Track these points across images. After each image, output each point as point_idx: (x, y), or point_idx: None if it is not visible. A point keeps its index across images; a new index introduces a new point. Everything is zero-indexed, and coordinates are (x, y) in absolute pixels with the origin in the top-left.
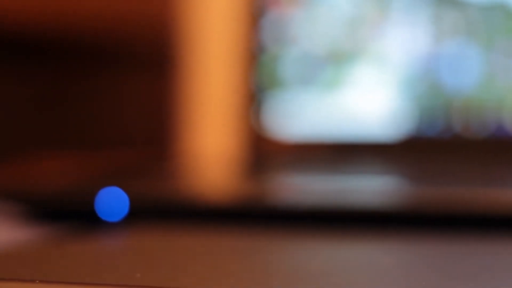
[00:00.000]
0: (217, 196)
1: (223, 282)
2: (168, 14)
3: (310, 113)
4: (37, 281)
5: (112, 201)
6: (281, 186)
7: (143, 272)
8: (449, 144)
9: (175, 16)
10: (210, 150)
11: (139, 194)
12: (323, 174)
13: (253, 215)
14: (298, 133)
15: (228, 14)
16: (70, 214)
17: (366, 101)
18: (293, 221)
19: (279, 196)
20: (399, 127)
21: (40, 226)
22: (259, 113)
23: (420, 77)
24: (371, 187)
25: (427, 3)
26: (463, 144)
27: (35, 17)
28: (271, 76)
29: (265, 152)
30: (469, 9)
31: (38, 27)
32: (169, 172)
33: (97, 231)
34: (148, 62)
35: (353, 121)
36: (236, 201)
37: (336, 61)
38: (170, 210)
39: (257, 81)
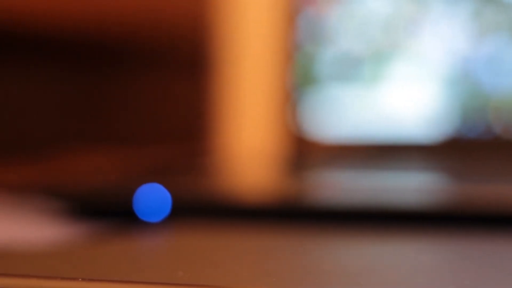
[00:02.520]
0: (258, 195)
1: (264, 281)
2: (205, 14)
3: (348, 113)
4: (80, 279)
5: (153, 198)
6: (321, 185)
7: (185, 270)
8: (489, 145)
9: (212, 15)
10: (247, 148)
11: (181, 192)
12: (363, 173)
13: (293, 214)
14: (336, 133)
15: (265, 12)
16: (111, 211)
17: (405, 101)
18: (333, 219)
19: (319, 195)
20: (439, 128)
21: (81, 223)
22: (295, 112)
23: (460, 77)
24: (411, 185)
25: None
26: (504, 145)
27: (76, 18)
28: (308, 75)
29: (302, 151)
30: (510, 6)
31: (79, 28)
32: (208, 169)
33: (137, 229)
34: (186, 61)
35: (392, 122)
36: (277, 199)
37: (373, 59)
38: (212, 208)
39: (294, 80)
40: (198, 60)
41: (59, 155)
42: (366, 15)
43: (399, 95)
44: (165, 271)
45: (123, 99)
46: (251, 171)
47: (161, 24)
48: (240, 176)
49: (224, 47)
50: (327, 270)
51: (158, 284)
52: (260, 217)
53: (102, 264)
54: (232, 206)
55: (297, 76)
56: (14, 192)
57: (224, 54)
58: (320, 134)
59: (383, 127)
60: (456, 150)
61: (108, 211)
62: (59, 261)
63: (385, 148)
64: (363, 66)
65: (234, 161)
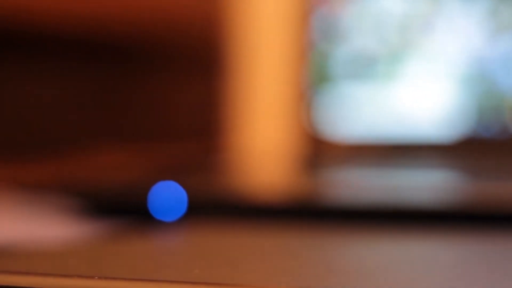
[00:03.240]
0: (273, 193)
1: (280, 280)
2: (219, 13)
3: (362, 112)
4: (96, 278)
5: (169, 197)
6: (336, 183)
7: (201, 268)
8: (505, 145)
9: (226, 14)
10: (261, 146)
11: (197, 190)
12: (378, 172)
13: (308, 212)
14: (351, 132)
15: (279, 11)
16: (127, 209)
17: (420, 100)
18: (348, 218)
19: (334, 193)
20: (454, 128)
21: (97, 221)
22: (310, 110)
23: (476, 76)
24: (426, 184)
25: None
26: None
27: (96, 19)
28: (322, 73)
29: (317, 149)
30: None
31: (100, 29)
32: (223, 167)
33: (153, 227)
34: (201, 59)
35: (407, 121)
36: (292, 198)
37: (388, 58)
38: (227, 207)
39: (308, 78)
40: (213, 58)
41: (76, 154)
42: (380, 13)
43: (414, 94)
44: (181, 269)
45: (140, 97)
46: (266, 170)
47: (177, 24)
48: (255, 174)
49: (239, 46)
50: (343, 268)
51: (174, 283)
52: (275, 215)
53: (118, 263)
54: (247, 205)
55: (311, 75)
56: (31, 190)
57: (239, 53)
58: (334, 133)
59: (398, 127)
60: (472, 150)
61: (125, 209)
62: (75, 259)
63: (400, 148)
64: (378, 65)
65: (248, 159)
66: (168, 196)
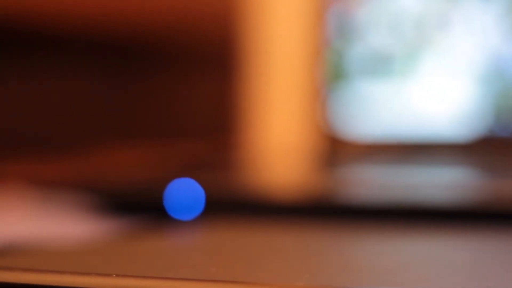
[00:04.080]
0: (289, 192)
1: (297, 278)
2: (234, 11)
3: (378, 110)
4: (114, 275)
5: (187, 195)
6: (352, 182)
7: (217, 266)
8: None
9: (241, 12)
10: (277, 143)
11: (213, 188)
12: (395, 170)
13: (325, 210)
14: (366, 131)
15: (294, 8)
16: (144, 206)
17: (436, 99)
18: (365, 216)
19: (351, 192)
20: (471, 127)
21: (114, 219)
22: (325, 108)
23: (493, 74)
24: (443, 183)
25: None
26: None
27: (110, 20)
28: (337, 71)
29: (332, 147)
30: None
31: (113, 29)
32: (239, 165)
33: (170, 224)
34: (216, 58)
35: (423, 120)
36: (308, 196)
37: (404, 56)
38: (244, 205)
39: (323, 76)
40: (229, 56)
41: (91, 151)
42: (396, 10)
43: (430, 92)
44: (198, 267)
45: (156, 95)
46: (282, 168)
47: (192, 22)
48: (271, 172)
49: (254, 43)
50: (359, 267)
51: (191, 280)
52: (291, 213)
53: (135, 261)
54: (263, 203)
55: (327, 73)
56: (47, 187)
57: (254, 50)
58: (350, 131)
59: (414, 125)
60: (488, 148)
61: (141, 207)
62: (92, 257)
63: (416, 147)
64: (394, 63)
65: (264, 157)
66: (185, 194)
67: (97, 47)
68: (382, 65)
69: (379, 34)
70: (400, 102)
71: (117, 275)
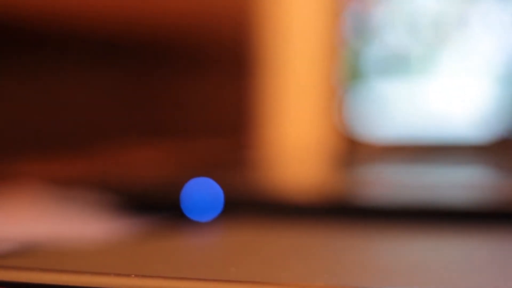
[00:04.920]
0: (307, 191)
1: (317, 278)
2: (251, 9)
3: (395, 111)
4: (133, 276)
5: (205, 195)
6: (370, 181)
7: (237, 266)
8: None
9: (258, 10)
10: (293, 143)
11: (232, 188)
12: (412, 170)
13: (342, 210)
14: (383, 132)
15: (311, 7)
16: (162, 205)
17: (454, 99)
18: (382, 217)
19: (369, 192)
20: (489, 128)
21: (132, 218)
22: (342, 108)
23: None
24: (461, 183)
25: None
26: None
27: (129, 21)
28: (354, 71)
29: (349, 147)
30: None
31: (133, 30)
32: (256, 164)
33: (188, 224)
34: (233, 57)
35: (441, 121)
36: (326, 196)
37: (422, 56)
38: (262, 205)
39: (340, 76)
40: (246, 55)
41: (109, 150)
42: (414, 10)
43: (448, 93)
44: (217, 267)
45: (173, 94)
46: (299, 167)
47: (209, 22)
48: (288, 172)
49: (271, 42)
50: (378, 267)
51: (211, 281)
52: (309, 213)
53: (153, 261)
54: (281, 203)
55: (343, 72)
56: (65, 186)
57: (271, 49)
58: (367, 132)
59: (430, 126)
60: (507, 150)
61: (159, 206)
62: (111, 257)
63: (432, 148)
64: (411, 63)
65: (280, 156)
66: (203, 194)
67: (117, 47)
68: (399, 65)
69: (397, 33)
70: (417, 102)
71: (136, 276)
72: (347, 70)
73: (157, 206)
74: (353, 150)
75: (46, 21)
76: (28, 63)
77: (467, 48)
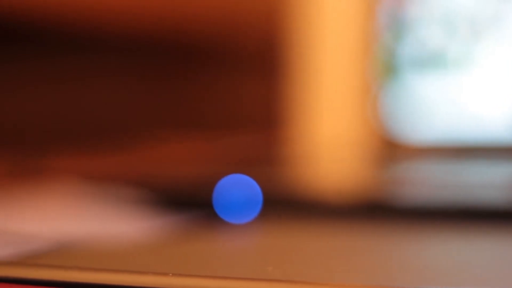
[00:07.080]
0: (344, 191)
1: (355, 278)
2: (283, 4)
3: (430, 110)
4: (170, 274)
5: (241, 195)
6: (407, 181)
7: (274, 266)
8: None
9: (291, 5)
10: (328, 141)
11: (267, 185)
12: (450, 170)
13: (379, 210)
14: (418, 132)
15: (344, 2)
16: (198, 202)
17: (490, 98)
18: (419, 216)
19: (407, 191)
20: None
21: (167, 215)
22: (376, 105)
23: None
24: (499, 183)
25: None
26: None
27: (165, 21)
28: (388, 67)
29: (384, 145)
30: None
31: (169, 30)
32: (290, 161)
33: (224, 222)
34: (267, 53)
35: (477, 121)
36: (363, 195)
37: (457, 53)
38: (299, 204)
39: (374, 72)
40: (280, 52)
41: (145, 147)
42: (449, 6)
43: (484, 92)
44: (254, 266)
45: (208, 91)
46: (334, 165)
47: (243, 18)
48: (323, 169)
49: (305, 38)
50: (416, 267)
51: (248, 280)
52: (346, 212)
53: (190, 260)
54: (317, 202)
55: (378, 69)
56: (100, 182)
57: (305, 45)
58: (403, 132)
59: (467, 126)
60: None
61: (194, 203)
62: (148, 256)
63: (470, 149)
64: (447, 60)
65: (315, 153)
66: (240, 194)
67: (154, 46)
68: (435, 63)
69: (432, 30)
70: (453, 101)
71: (174, 274)
72: (382, 67)
73: (192, 203)
74: (389, 149)
75: (90, 24)
76: (66, 62)
77: (503, 45)
